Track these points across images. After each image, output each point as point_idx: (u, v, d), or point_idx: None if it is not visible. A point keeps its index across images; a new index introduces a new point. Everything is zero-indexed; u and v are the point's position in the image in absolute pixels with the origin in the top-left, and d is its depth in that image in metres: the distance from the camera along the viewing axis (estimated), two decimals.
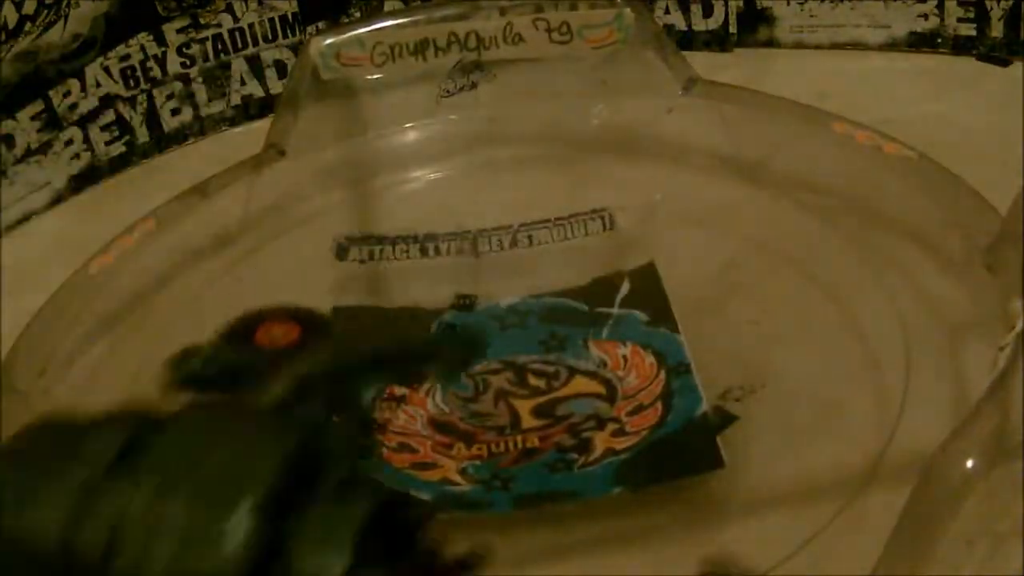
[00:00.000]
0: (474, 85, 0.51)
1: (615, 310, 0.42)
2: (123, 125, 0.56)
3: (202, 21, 0.56)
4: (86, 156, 0.55)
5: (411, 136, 0.51)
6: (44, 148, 0.53)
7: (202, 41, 0.56)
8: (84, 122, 0.54)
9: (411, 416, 0.39)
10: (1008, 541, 0.28)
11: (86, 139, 0.54)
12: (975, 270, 0.38)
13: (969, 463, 0.27)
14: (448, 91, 0.51)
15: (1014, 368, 0.29)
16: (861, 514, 0.31)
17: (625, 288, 0.43)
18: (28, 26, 0.50)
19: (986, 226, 0.37)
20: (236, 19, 0.56)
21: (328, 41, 0.49)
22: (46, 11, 0.51)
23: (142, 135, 0.56)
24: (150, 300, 0.44)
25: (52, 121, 0.53)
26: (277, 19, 0.57)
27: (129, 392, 0.40)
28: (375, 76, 0.49)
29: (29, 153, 0.52)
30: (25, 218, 0.53)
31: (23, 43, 0.50)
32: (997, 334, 0.33)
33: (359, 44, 0.49)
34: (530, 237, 0.46)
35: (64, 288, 0.42)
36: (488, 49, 0.49)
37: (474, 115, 0.51)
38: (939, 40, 0.54)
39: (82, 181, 0.55)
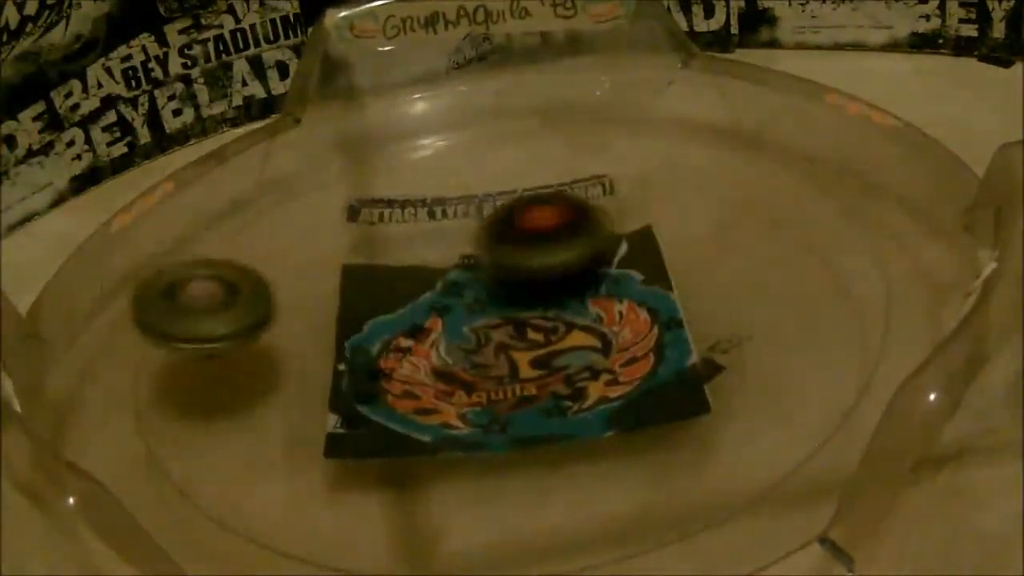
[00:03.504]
0: (482, 58, 0.53)
1: (613, 270, 0.44)
2: (125, 126, 0.56)
3: (204, 22, 0.56)
4: (88, 157, 0.55)
5: (420, 106, 0.53)
6: (46, 149, 0.53)
7: (204, 42, 0.56)
8: (86, 123, 0.54)
9: (415, 366, 0.41)
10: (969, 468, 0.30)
11: (88, 140, 0.55)
12: (957, 232, 0.39)
13: (931, 396, 0.28)
14: (457, 63, 0.53)
15: (979, 311, 0.31)
16: (835, 454, 0.33)
17: (623, 249, 0.44)
18: (30, 27, 0.51)
19: (967, 190, 0.39)
20: (238, 20, 0.57)
21: (342, 14, 0.51)
22: (48, 12, 0.51)
23: (144, 136, 0.57)
24: (169, 257, 0.46)
25: (54, 122, 0.53)
26: (279, 20, 0.57)
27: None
28: (387, 48, 0.51)
29: (31, 154, 0.53)
30: (27, 219, 0.53)
31: (25, 44, 0.51)
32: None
33: (372, 17, 0.51)
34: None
35: (87, 244, 0.44)
36: (496, 23, 0.51)
37: (481, 86, 0.53)
38: (941, 41, 0.55)
39: (84, 182, 0.55)
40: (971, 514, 0.33)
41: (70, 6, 0.52)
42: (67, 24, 0.52)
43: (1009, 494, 0.33)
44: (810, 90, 0.47)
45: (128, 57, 0.55)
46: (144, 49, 0.56)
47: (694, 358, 0.38)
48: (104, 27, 0.54)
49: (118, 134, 0.56)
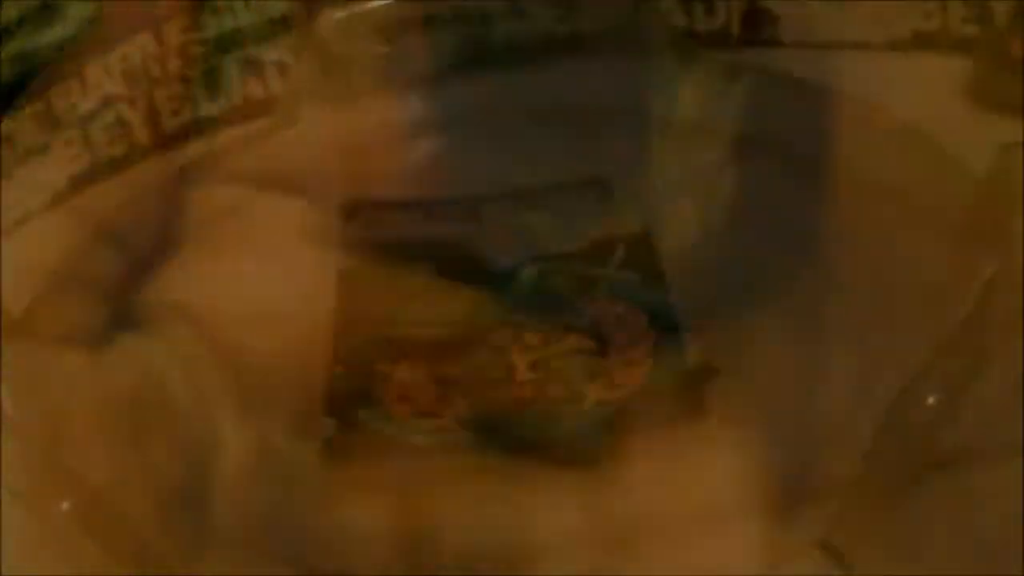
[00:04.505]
0: (479, 58, 0.52)
1: (610, 273, 0.43)
2: (123, 125, 0.54)
3: (202, 21, 0.55)
4: (86, 156, 0.53)
5: (418, 107, 0.53)
6: (44, 148, 0.52)
7: (202, 41, 0.55)
8: (84, 122, 0.53)
9: (412, 369, 0.40)
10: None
11: (86, 139, 0.53)
12: (956, 232, 0.39)
13: (931, 399, 0.28)
14: (454, 64, 0.53)
15: (980, 312, 0.31)
16: (835, 456, 0.33)
17: (620, 253, 0.44)
18: (28, 26, 0.51)
19: (966, 190, 0.39)
20: (236, 19, 0.55)
21: (339, 14, 0.51)
22: (46, 11, 0.51)
23: (142, 135, 0.54)
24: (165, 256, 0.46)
25: (52, 121, 0.52)
26: (278, 19, 0.55)
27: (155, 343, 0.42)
28: (384, 48, 0.51)
29: (29, 153, 0.51)
30: (24, 219, 0.51)
31: (22, 43, 0.51)
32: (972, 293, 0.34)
33: (369, 17, 0.51)
34: (530, 203, 0.48)
35: (84, 244, 0.44)
36: (493, 23, 0.51)
37: (479, 88, 0.52)
38: (941, 41, 0.55)
39: (82, 182, 0.53)
40: (971, 514, 0.33)
41: (68, 5, 0.52)
42: (65, 23, 0.52)
43: (1009, 494, 0.32)
44: (810, 90, 0.47)
45: (127, 56, 0.55)
46: (142, 48, 0.55)
47: (692, 361, 0.38)
48: (102, 26, 0.53)
49: (116, 133, 0.56)
